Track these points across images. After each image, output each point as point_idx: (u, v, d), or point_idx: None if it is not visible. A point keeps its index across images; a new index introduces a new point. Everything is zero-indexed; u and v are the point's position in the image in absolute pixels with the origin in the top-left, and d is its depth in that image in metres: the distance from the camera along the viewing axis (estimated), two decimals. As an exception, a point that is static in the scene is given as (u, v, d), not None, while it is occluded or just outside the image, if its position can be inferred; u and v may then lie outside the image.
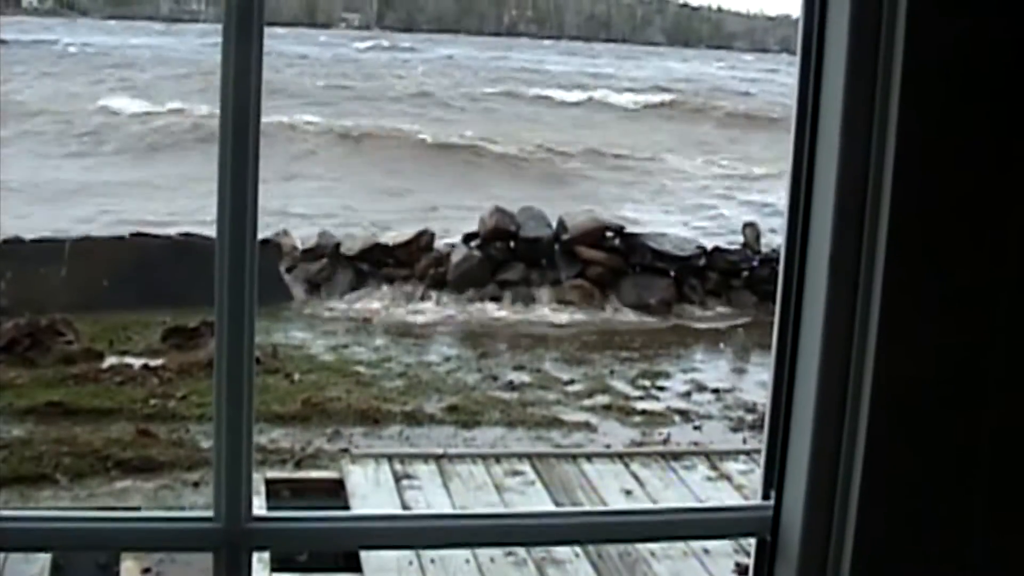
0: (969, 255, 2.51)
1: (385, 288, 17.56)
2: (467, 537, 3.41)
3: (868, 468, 2.56)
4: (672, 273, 17.97)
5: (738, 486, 9.83)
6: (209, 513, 2.64)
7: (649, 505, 8.84)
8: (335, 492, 9.73)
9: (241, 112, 2.48)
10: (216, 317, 2.56)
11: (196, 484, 10.39)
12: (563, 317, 17.00)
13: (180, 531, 2.77)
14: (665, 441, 12.23)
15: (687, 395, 14.09)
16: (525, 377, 14.42)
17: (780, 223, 2.77)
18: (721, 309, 17.63)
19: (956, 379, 2.56)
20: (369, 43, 47.62)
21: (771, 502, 2.76)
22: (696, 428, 12.87)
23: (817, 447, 2.61)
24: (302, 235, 18.59)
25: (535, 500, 9.36)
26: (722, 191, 28.02)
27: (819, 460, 2.62)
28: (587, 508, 8.01)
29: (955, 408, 2.57)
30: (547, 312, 17.12)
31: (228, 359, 2.57)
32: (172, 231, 17.80)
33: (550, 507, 8.71)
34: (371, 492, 9.56)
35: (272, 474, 10.26)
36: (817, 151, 2.60)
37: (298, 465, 11.12)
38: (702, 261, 18.24)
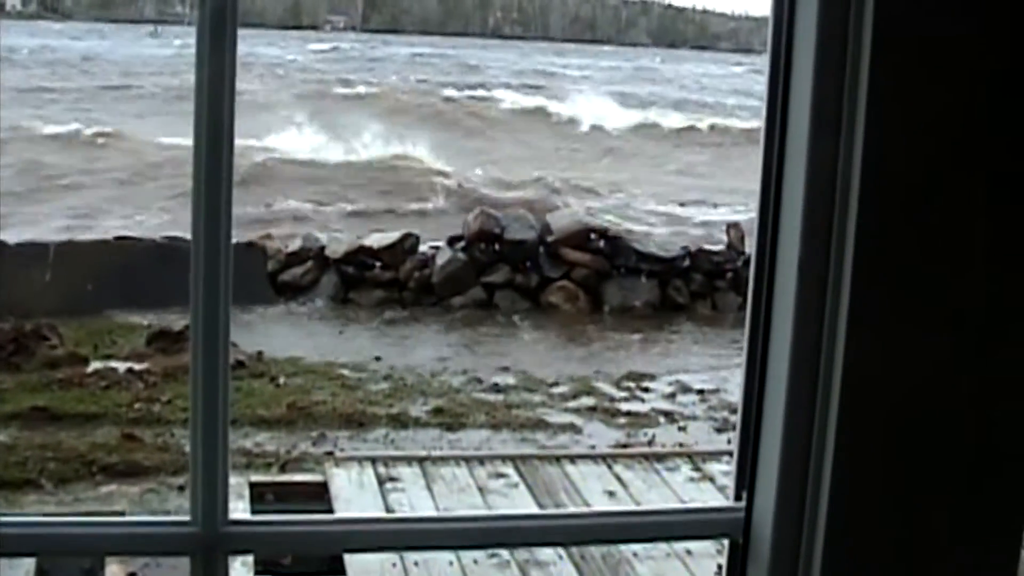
0: (937, 258, 2.53)
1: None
2: (449, 539, 3.42)
3: (838, 470, 2.58)
4: (657, 275, 18.02)
5: (721, 487, 9.85)
6: (186, 517, 2.65)
7: (621, 507, 8.86)
8: (319, 495, 9.74)
9: (216, 116, 2.50)
10: (191, 320, 2.57)
11: (181, 488, 10.37)
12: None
13: (157, 535, 2.77)
14: (650, 442, 12.26)
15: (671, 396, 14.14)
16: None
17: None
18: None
19: (925, 382, 2.58)
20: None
21: (743, 504, 2.78)
22: (681, 429, 12.91)
23: (787, 449, 2.63)
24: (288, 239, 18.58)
25: (518, 502, 9.38)
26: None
27: (789, 462, 2.63)
28: (559, 510, 8.03)
29: (925, 410, 2.59)
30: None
31: (203, 363, 2.59)
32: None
33: (533, 509, 8.74)
34: (355, 495, 9.57)
35: (256, 478, 10.27)
36: (786, 155, 2.63)
37: (283, 468, 11.13)
38: (686, 262, 18.28)
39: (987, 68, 2.48)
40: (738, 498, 2.80)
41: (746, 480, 2.78)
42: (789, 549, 2.67)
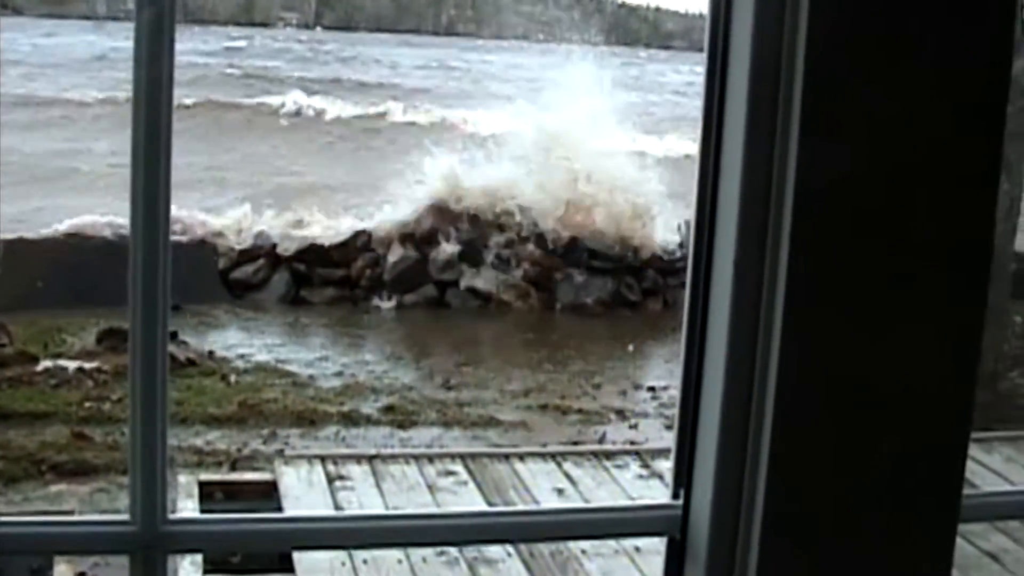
0: (871, 255, 2.56)
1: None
2: (397, 537, 3.43)
3: (773, 467, 2.61)
4: (609, 272, 18.06)
5: (669, 484, 9.86)
6: (125, 516, 2.65)
7: (567, 504, 8.88)
8: (268, 494, 9.72)
9: (153, 109, 2.50)
10: (130, 320, 2.58)
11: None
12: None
13: (96, 535, 2.78)
14: (600, 440, 12.30)
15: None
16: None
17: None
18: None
19: (858, 380, 2.61)
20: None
21: (680, 501, 2.81)
22: (632, 427, 12.95)
23: (723, 447, 2.66)
24: (238, 237, 18.49)
25: (468, 500, 9.38)
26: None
27: (725, 460, 2.66)
28: (496, 508, 8.04)
29: (856, 412, 2.62)
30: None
31: (142, 362, 2.59)
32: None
33: (482, 506, 8.75)
34: (304, 493, 9.55)
35: (205, 476, 10.23)
36: (722, 156, 2.65)
37: (234, 467, 11.09)
38: (638, 260, 18.33)
39: (924, 68, 2.51)
40: (676, 496, 2.83)
41: (683, 478, 2.81)
42: (725, 546, 2.70)
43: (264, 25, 50.88)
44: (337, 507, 9.27)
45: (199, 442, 11.66)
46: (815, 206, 2.52)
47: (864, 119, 2.51)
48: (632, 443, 11.93)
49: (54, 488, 10.82)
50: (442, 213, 18.34)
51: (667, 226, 18.76)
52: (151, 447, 2.62)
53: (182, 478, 9.95)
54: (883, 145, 2.52)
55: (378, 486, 9.78)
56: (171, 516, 2.69)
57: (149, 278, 2.55)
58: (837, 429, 2.62)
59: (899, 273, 2.57)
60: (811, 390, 2.59)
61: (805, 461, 2.63)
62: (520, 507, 8.08)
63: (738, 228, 2.58)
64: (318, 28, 51.44)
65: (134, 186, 2.52)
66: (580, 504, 8.60)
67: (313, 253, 17.93)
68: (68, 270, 16.39)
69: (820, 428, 2.62)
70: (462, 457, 10.57)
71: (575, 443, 12.11)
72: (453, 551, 8.33)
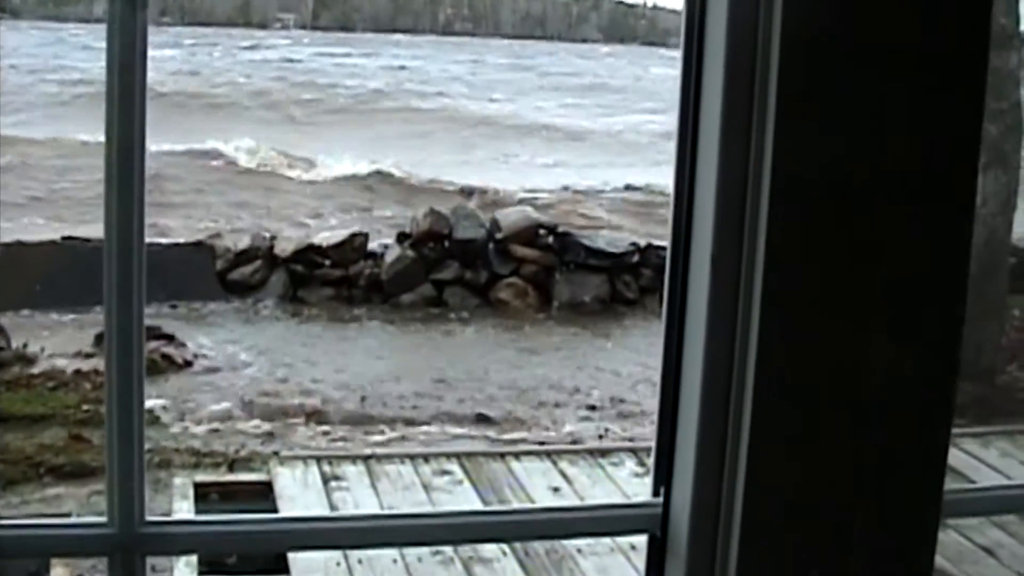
0: (846, 254, 2.55)
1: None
2: (390, 537, 3.42)
3: (752, 465, 2.61)
4: (606, 270, 18.07)
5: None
6: (103, 519, 2.65)
7: (563, 503, 8.88)
8: (264, 494, 9.71)
9: (126, 115, 2.50)
10: (105, 322, 2.57)
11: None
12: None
13: (74, 537, 2.78)
14: (600, 436, 12.30)
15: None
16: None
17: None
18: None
19: (836, 378, 2.61)
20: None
21: (660, 499, 2.80)
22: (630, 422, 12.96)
23: (702, 445, 2.66)
24: (235, 237, 18.51)
25: (463, 499, 9.37)
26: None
27: (704, 458, 2.66)
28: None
29: (836, 408, 2.62)
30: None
31: (117, 364, 2.59)
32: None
33: (477, 505, 8.75)
34: (299, 494, 9.54)
35: (201, 477, 10.22)
36: (699, 152, 2.65)
37: (231, 468, 11.08)
38: (635, 258, 18.32)
39: (899, 59, 2.50)
40: (656, 493, 2.83)
41: (664, 476, 2.80)
42: (705, 543, 2.70)
43: (262, 26, 50.89)
44: (333, 507, 9.26)
45: (197, 443, 11.68)
46: (791, 200, 2.52)
47: (839, 114, 2.50)
48: (631, 440, 11.93)
49: (52, 491, 10.81)
50: (437, 214, 18.35)
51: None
52: (128, 449, 2.62)
53: (177, 480, 9.95)
54: (859, 136, 2.52)
55: (373, 486, 9.77)
56: (148, 518, 2.68)
57: (124, 281, 2.55)
58: (816, 425, 2.62)
59: (878, 266, 2.57)
60: (790, 387, 2.59)
61: (784, 457, 2.62)
62: (498, 507, 8.07)
63: (715, 224, 2.57)
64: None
65: (108, 192, 2.52)
66: (564, 503, 8.59)
67: (311, 253, 17.93)
68: (65, 272, 16.40)
69: (799, 424, 2.61)
70: (458, 456, 10.56)
71: (573, 441, 12.11)
72: (448, 550, 8.32)
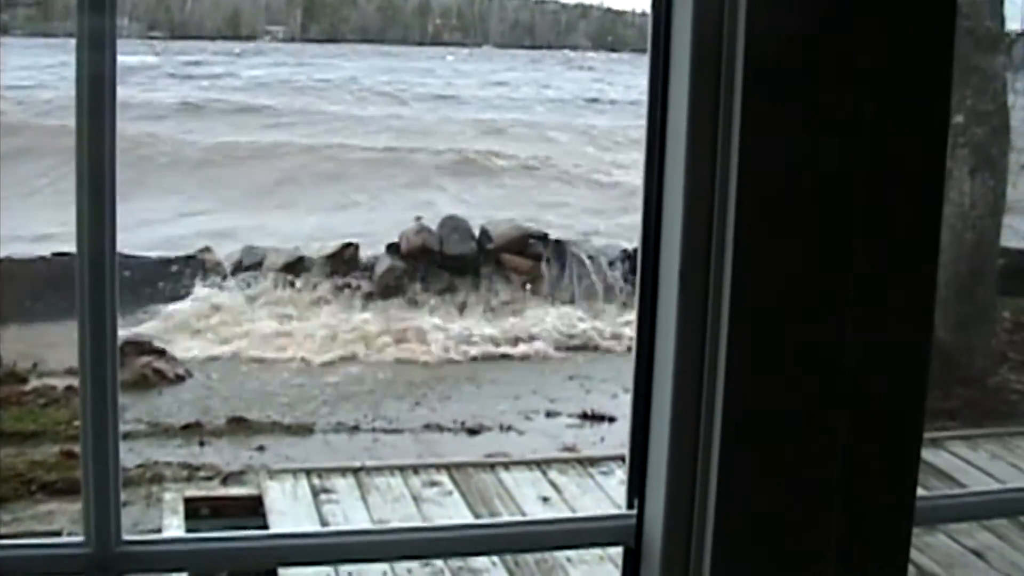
0: (815, 259, 2.56)
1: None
2: (379, 552, 3.41)
3: (723, 477, 2.61)
4: (596, 277, 18.09)
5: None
6: (79, 538, 2.65)
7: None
8: (254, 509, 9.71)
9: (96, 125, 2.50)
10: (79, 336, 2.57)
11: (123, 504, 10.31)
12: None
13: (49, 556, 2.76)
14: (593, 445, 12.32)
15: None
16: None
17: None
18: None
19: (806, 389, 2.61)
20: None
21: (634, 511, 2.81)
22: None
23: (674, 456, 2.66)
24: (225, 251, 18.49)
25: (453, 511, 9.38)
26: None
27: (676, 469, 2.66)
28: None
29: (807, 419, 2.62)
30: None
31: (91, 379, 2.59)
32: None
33: (468, 517, 8.76)
34: (289, 507, 9.55)
35: (191, 492, 10.23)
36: (666, 164, 2.65)
37: (224, 482, 11.08)
38: (627, 265, 18.35)
39: (863, 66, 2.51)
40: (630, 505, 2.83)
41: (636, 487, 2.81)
42: (679, 555, 2.69)
43: (250, 39, 50.83)
44: (323, 521, 9.26)
45: (190, 458, 11.68)
46: (758, 206, 2.52)
47: (806, 116, 2.51)
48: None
49: (44, 507, 10.81)
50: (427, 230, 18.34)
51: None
52: (103, 467, 2.61)
53: (167, 495, 9.96)
54: (826, 142, 2.52)
55: (363, 499, 9.78)
56: (126, 537, 2.68)
57: (96, 296, 2.55)
58: (788, 434, 2.62)
59: (848, 271, 2.57)
60: (759, 397, 2.59)
61: (756, 467, 2.63)
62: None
63: (682, 236, 2.58)
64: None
65: (79, 199, 2.52)
66: (541, 516, 8.58)
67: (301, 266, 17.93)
68: (56, 288, 16.38)
69: (771, 434, 2.61)
70: (447, 467, 10.57)
71: (568, 449, 12.13)
72: (439, 561, 8.32)
